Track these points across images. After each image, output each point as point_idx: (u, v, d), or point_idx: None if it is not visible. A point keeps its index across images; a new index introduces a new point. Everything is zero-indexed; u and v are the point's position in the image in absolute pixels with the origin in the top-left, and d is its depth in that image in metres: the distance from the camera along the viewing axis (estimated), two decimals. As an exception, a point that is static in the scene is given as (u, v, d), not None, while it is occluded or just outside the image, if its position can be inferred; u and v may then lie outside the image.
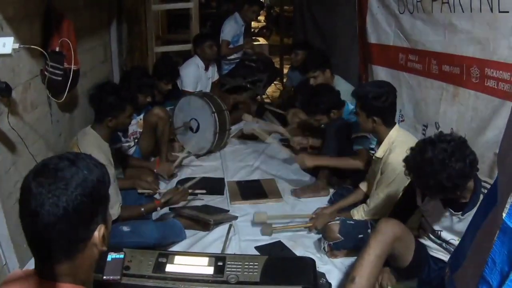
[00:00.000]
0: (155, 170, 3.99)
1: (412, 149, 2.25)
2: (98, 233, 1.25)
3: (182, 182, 3.95)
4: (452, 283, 1.63)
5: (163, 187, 3.97)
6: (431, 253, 2.49)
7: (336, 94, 4.01)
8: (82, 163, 1.23)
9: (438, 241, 2.46)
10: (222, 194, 3.98)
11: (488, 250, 1.22)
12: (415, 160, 2.17)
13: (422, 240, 2.53)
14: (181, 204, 3.51)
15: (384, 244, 2.26)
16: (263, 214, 3.41)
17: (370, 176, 3.25)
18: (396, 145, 2.92)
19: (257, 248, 3.12)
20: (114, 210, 2.90)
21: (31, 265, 2.65)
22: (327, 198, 3.78)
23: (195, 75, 5.23)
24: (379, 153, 3.01)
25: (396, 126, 3.05)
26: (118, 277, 2.11)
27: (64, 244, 1.19)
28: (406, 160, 2.24)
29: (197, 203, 3.73)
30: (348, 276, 2.33)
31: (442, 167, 2.06)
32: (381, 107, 2.94)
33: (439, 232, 2.43)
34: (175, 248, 3.11)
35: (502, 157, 1.40)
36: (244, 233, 3.33)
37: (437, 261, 2.46)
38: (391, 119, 3.02)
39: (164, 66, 4.74)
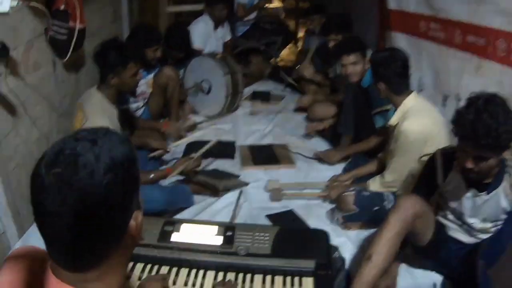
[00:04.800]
0: (163, 130, 3.88)
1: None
2: (136, 222, 1.02)
3: (191, 146, 3.85)
4: (486, 277, 1.51)
5: (170, 155, 3.82)
6: (450, 233, 2.37)
7: (364, 43, 3.73)
8: (104, 140, 0.96)
9: (458, 222, 2.33)
10: (233, 158, 3.87)
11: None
12: (469, 115, 1.98)
13: (441, 219, 2.40)
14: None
15: (404, 222, 2.13)
16: (276, 181, 3.32)
17: (387, 144, 3.11)
18: (411, 113, 2.78)
19: (268, 216, 3.01)
20: None
21: (31, 233, 2.59)
22: (342, 166, 3.65)
23: (203, 31, 5.11)
24: (393, 120, 2.87)
25: (413, 94, 2.88)
26: (122, 247, 2.05)
27: (95, 248, 0.96)
28: (456, 117, 2.05)
29: (207, 167, 3.62)
30: (364, 253, 2.21)
31: (503, 120, 1.92)
32: (386, 74, 2.82)
33: (459, 213, 2.29)
34: (182, 214, 3.01)
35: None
36: (254, 201, 3.22)
37: (456, 242, 2.34)
38: (400, 87, 2.86)
39: (177, 36, 4.53)
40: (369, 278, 2.08)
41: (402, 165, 2.84)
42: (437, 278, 2.45)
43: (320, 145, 4.09)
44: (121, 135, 1.04)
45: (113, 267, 1.02)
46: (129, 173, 0.98)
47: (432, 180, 2.40)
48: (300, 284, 2.02)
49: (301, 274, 2.05)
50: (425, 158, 2.53)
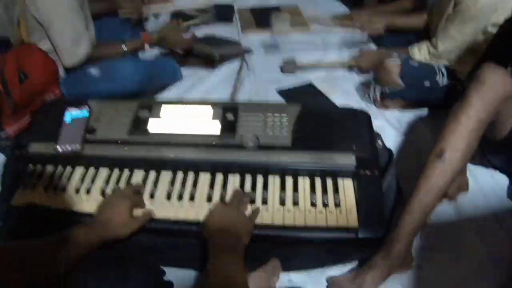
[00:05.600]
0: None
1: None
2: None
3: (178, 14, 3.15)
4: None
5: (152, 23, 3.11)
6: None
7: None
8: None
9: None
10: (231, 21, 3.20)
11: None
12: None
13: None
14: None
15: (491, 104, 1.44)
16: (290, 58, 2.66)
17: (436, 6, 2.42)
18: None
19: (280, 93, 2.40)
20: (81, 47, 2.14)
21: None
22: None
23: None
24: None
25: None
26: (78, 145, 1.44)
27: None
28: None
29: (199, 32, 2.92)
30: (433, 148, 1.54)
31: None
32: None
33: None
34: (166, 94, 2.39)
35: None
36: (260, 71, 2.61)
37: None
38: None
39: None
40: (441, 184, 1.43)
41: (463, 34, 2.18)
42: (503, 178, 1.90)
43: (337, 9, 3.35)
44: None
45: None
46: None
47: (508, 50, 1.78)
48: (336, 188, 1.41)
49: (336, 174, 1.44)
50: (493, 29, 2.04)
